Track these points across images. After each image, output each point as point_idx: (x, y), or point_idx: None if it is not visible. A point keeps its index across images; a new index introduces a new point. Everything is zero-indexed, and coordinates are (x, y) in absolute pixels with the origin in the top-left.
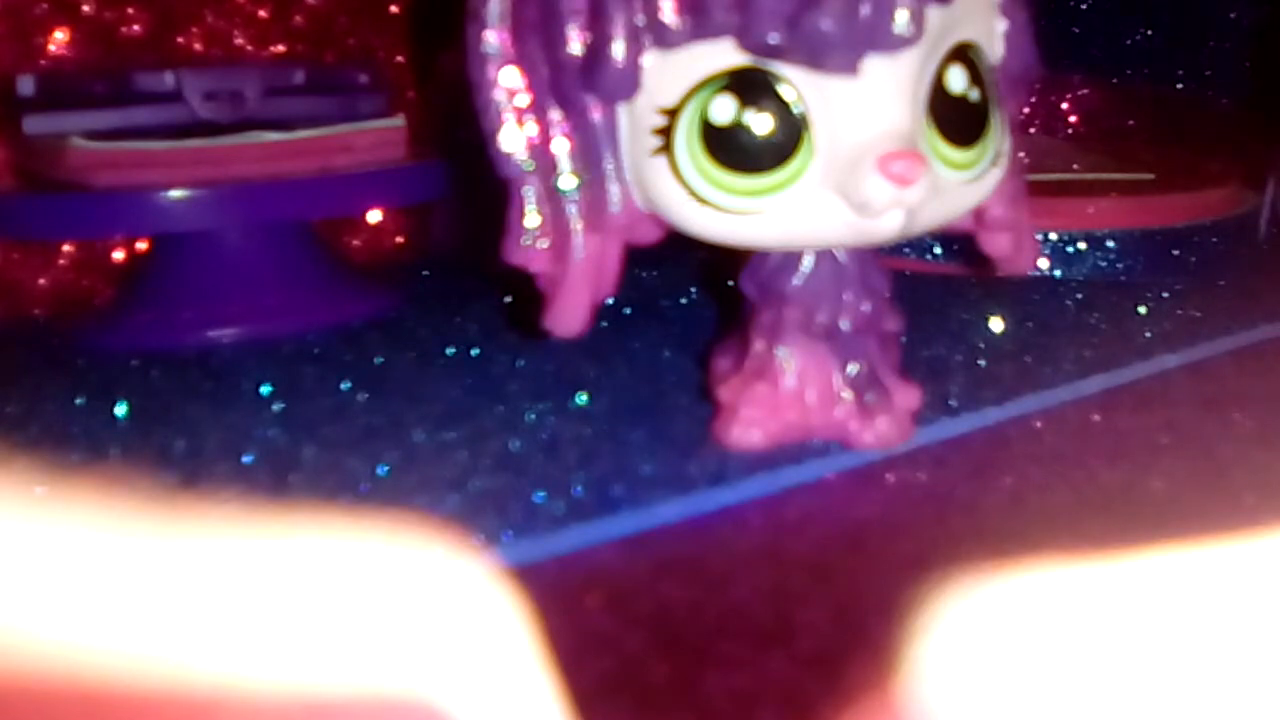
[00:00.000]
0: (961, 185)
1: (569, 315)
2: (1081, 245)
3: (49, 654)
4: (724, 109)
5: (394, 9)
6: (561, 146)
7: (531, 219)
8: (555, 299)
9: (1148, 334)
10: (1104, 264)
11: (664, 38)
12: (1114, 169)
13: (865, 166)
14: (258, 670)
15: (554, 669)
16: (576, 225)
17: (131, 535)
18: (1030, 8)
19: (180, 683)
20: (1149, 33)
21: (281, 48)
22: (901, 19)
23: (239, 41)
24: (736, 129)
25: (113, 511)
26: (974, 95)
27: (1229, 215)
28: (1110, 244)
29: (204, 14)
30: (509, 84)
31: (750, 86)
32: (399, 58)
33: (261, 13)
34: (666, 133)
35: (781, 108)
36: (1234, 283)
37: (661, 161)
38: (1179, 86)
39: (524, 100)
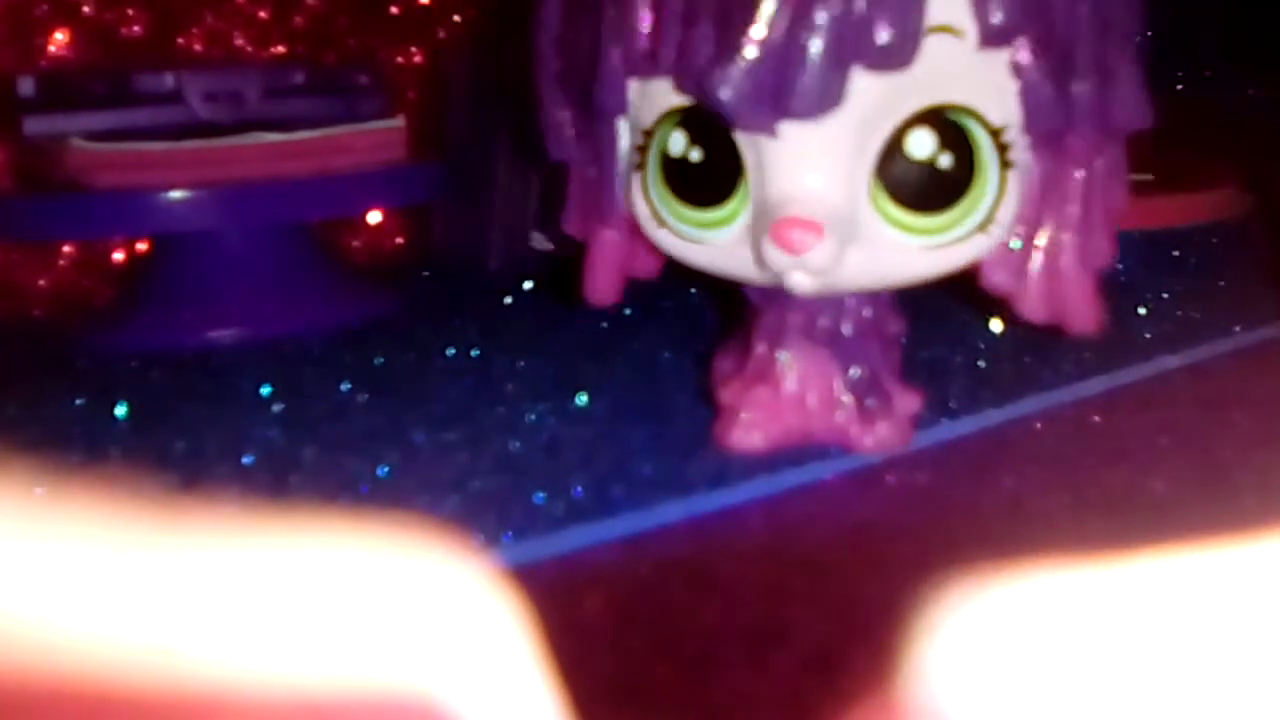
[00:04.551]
0: (922, 250)
1: (603, 286)
2: None
3: (49, 655)
4: (677, 141)
5: (394, 9)
6: (588, 142)
7: (576, 197)
8: (591, 270)
9: (1147, 335)
10: None
11: (634, 67)
12: None
13: (764, 228)
14: (258, 671)
15: (554, 669)
16: (611, 208)
17: (131, 537)
18: (1137, 58)
19: (180, 683)
20: (1148, 33)
21: (281, 48)
22: (808, 89)
23: (239, 42)
24: (684, 162)
25: (113, 513)
26: (944, 161)
27: (1229, 216)
28: None
29: (204, 15)
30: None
31: (698, 125)
32: (399, 58)
33: (261, 13)
34: (643, 152)
35: (725, 150)
36: (1234, 283)
37: (637, 178)
38: (1179, 87)
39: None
